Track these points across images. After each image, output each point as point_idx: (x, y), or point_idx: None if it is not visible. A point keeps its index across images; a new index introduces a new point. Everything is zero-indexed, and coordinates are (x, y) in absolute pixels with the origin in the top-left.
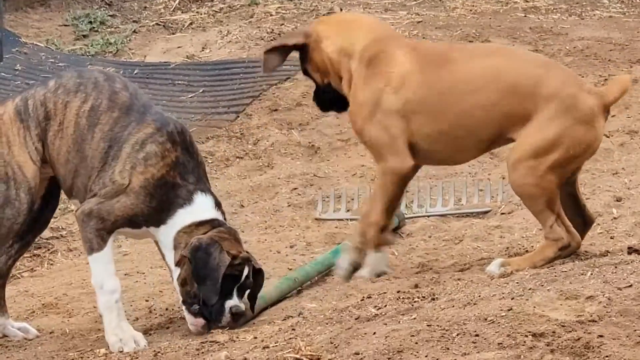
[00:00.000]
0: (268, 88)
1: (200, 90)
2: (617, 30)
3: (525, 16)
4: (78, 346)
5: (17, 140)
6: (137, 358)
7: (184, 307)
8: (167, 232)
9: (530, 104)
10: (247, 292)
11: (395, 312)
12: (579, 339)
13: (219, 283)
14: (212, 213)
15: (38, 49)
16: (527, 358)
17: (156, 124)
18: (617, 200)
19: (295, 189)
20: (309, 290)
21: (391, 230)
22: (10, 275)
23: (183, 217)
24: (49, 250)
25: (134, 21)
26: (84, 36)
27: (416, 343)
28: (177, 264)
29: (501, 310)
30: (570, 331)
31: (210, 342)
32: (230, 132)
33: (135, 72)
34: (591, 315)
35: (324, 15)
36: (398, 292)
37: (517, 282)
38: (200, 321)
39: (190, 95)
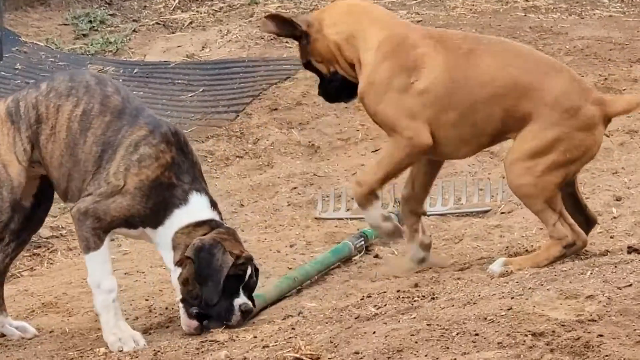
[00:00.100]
0: (268, 87)
1: (200, 90)
2: (617, 30)
3: (525, 15)
4: (78, 345)
5: (5, 140)
6: (137, 357)
7: (181, 306)
8: (165, 233)
9: (530, 105)
10: (252, 290)
11: (395, 311)
12: (578, 338)
13: (221, 284)
14: (208, 213)
15: (38, 48)
16: (526, 357)
17: (149, 126)
18: (617, 200)
19: (295, 188)
20: (308, 289)
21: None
22: (9, 274)
23: (179, 217)
24: (48, 249)
25: (133, 20)
26: (84, 35)
27: (416, 342)
28: (177, 263)
29: (501, 309)
30: (570, 330)
31: (210, 341)
32: (230, 131)
33: (135, 71)
34: (591, 315)
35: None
36: (398, 291)
37: (517, 282)
38: (194, 323)
39: (190, 95)
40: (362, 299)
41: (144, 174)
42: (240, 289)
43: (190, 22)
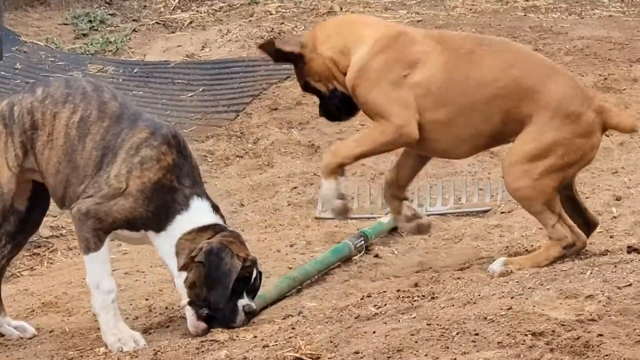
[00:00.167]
0: (268, 87)
1: (200, 89)
2: (616, 30)
3: (525, 15)
4: (78, 345)
5: None
6: (136, 357)
7: (188, 308)
8: (168, 239)
9: (531, 108)
10: (256, 292)
11: (395, 311)
12: (578, 338)
13: (230, 288)
14: (211, 217)
15: (38, 47)
16: (526, 357)
17: (149, 128)
18: (617, 199)
19: (295, 187)
20: (308, 289)
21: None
22: (9, 274)
23: (182, 223)
24: (48, 249)
25: (133, 20)
26: (84, 35)
27: (416, 342)
28: (182, 268)
29: (501, 309)
30: (570, 330)
31: (210, 341)
32: (230, 131)
33: (135, 71)
34: (591, 314)
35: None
36: (398, 291)
37: (517, 281)
38: (202, 325)
39: (190, 94)
40: (362, 299)
41: (146, 177)
42: (244, 292)
43: (190, 22)
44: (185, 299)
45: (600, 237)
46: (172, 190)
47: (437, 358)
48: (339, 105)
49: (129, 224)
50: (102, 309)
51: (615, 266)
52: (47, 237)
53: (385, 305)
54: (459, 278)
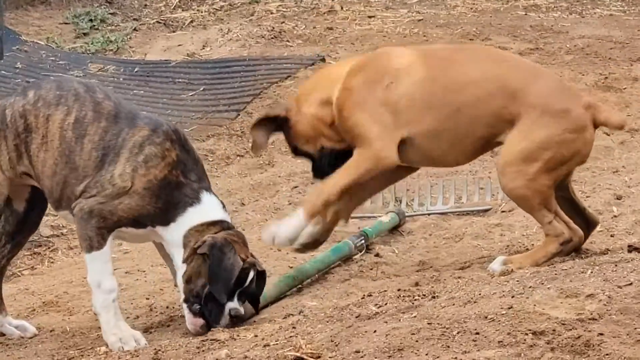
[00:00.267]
0: (269, 86)
1: (201, 89)
2: (617, 29)
3: (525, 14)
4: (79, 344)
5: None
6: (137, 356)
7: (184, 306)
8: (176, 231)
9: (516, 108)
10: (248, 297)
11: (395, 310)
12: (579, 337)
13: (231, 285)
14: (220, 214)
15: (38, 47)
16: (527, 356)
17: (150, 125)
18: (618, 199)
19: (296, 187)
20: (309, 288)
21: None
22: (10, 273)
23: (192, 215)
24: (49, 248)
25: (134, 19)
26: (85, 34)
27: (417, 341)
28: (185, 261)
29: (501, 308)
30: (571, 329)
31: (211, 340)
32: (231, 130)
33: (136, 70)
34: (591, 314)
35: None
36: (398, 290)
37: (518, 280)
38: (200, 321)
39: (190, 94)
40: (362, 298)
41: (152, 174)
42: (236, 294)
43: (191, 21)
44: (182, 296)
45: (601, 236)
46: (179, 185)
47: (437, 357)
48: (331, 162)
49: (135, 221)
50: (103, 308)
51: (616, 265)
52: (47, 237)
53: (386, 304)
54: (459, 277)
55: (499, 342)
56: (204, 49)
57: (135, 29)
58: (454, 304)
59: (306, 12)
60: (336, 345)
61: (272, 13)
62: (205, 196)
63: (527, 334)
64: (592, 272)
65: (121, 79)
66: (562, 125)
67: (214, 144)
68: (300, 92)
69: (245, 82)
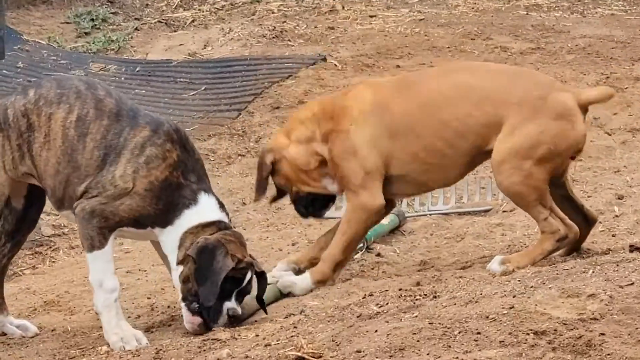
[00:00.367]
0: (270, 85)
1: (202, 88)
2: (619, 28)
3: (527, 14)
4: (80, 344)
5: None
6: (139, 356)
7: (182, 305)
8: (173, 232)
9: (503, 111)
10: (246, 296)
11: (397, 309)
12: (580, 337)
13: (218, 286)
14: (217, 214)
15: (40, 46)
16: (528, 356)
17: (151, 125)
18: (619, 198)
19: None
20: None
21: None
22: (11, 272)
23: (189, 217)
24: (50, 247)
25: (135, 19)
26: (86, 34)
27: (418, 341)
28: (180, 262)
29: (503, 308)
30: (572, 329)
31: (212, 339)
32: (232, 129)
33: (137, 69)
34: (593, 313)
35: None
36: (400, 289)
37: (519, 280)
38: (197, 319)
39: (192, 93)
40: (364, 298)
41: (153, 175)
42: (234, 293)
43: (193, 21)
44: (180, 296)
45: (602, 236)
46: (179, 187)
47: (439, 357)
48: (308, 205)
49: (136, 221)
50: (104, 308)
51: (618, 265)
52: (49, 236)
53: (387, 304)
54: (461, 277)
55: (500, 342)
56: (205, 48)
57: (136, 29)
58: (455, 304)
59: (307, 12)
60: (337, 345)
61: (273, 12)
62: (203, 197)
63: (528, 334)
64: (593, 272)
65: (122, 79)
66: (544, 113)
67: (215, 143)
68: (281, 132)
69: (246, 81)
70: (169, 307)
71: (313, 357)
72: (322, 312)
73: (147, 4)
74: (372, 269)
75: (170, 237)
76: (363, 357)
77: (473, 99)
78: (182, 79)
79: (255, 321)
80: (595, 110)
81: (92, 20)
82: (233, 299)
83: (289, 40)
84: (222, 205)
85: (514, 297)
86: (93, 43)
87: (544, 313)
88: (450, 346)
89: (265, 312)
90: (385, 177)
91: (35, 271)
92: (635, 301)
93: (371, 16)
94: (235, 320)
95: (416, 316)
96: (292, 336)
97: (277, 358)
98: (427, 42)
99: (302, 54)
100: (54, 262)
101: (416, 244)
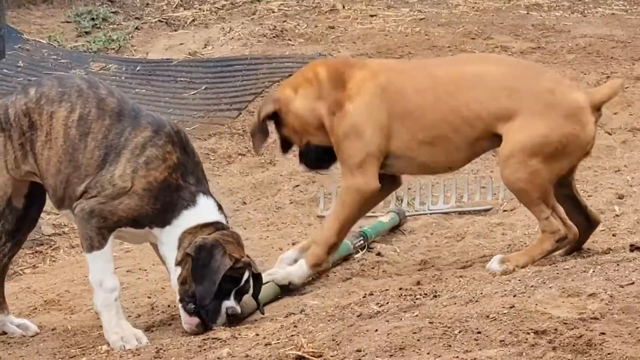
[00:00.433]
0: (270, 85)
1: (203, 87)
2: (619, 28)
3: (527, 13)
4: (80, 343)
5: None
6: (139, 355)
7: (180, 305)
8: (172, 233)
9: (515, 104)
10: (244, 295)
11: (397, 309)
12: (581, 336)
13: (216, 286)
14: (215, 216)
15: (40, 45)
16: (529, 355)
17: (152, 126)
18: (619, 198)
19: (298, 186)
20: (310, 287)
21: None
22: (12, 271)
23: (188, 218)
24: (51, 246)
25: (136, 18)
26: (86, 33)
27: (418, 340)
28: (179, 263)
29: (503, 307)
30: (572, 328)
31: (212, 339)
32: (232, 129)
33: (138, 69)
34: (593, 313)
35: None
36: (400, 289)
37: (519, 280)
38: (195, 320)
39: (192, 92)
40: (364, 297)
41: (151, 176)
42: (232, 293)
43: (193, 20)
44: (178, 296)
45: (602, 236)
46: (178, 188)
47: (439, 356)
48: (317, 156)
49: (134, 221)
50: (104, 307)
51: (618, 264)
52: (49, 235)
53: (387, 303)
54: (461, 276)
55: (500, 341)
56: (205, 47)
57: (137, 28)
58: (455, 303)
59: (308, 11)
60: (338, 344)
61: (273, 12)
62: (202, 199)
63: (528, 333)
64: (594, 272)
65: (123, 78)
66: (553, 108)
67: (216, 142)
68: (288, 84)
69: (247, 81)
70: (169, 306)
71: (313, 356)
72: (323, 312)
73: (147, 4)
74: (373, 268)
75: (169, 237)
76: (363, 356)
77: (486, 89)
78: (182, 79)
79: (256, 320)
80: None
81: (93, 19)
82: (232, 298)
83: (290, 40)
84: (220, 207)
85: (514, 296)
86: (93, 42)
87: (544, 312)
88: (450, 345)
89: (262, 312)
90: (388, 155)
91: (36, 270)
92: (636, 301)
93: (372, 15)
94: (234, 320)
95: (416, 315)
96: (292, 335)
97: (277, 357)
98: (427, 41)
99: (302, 53)
100: (54, 261)
101: (416, 243)
